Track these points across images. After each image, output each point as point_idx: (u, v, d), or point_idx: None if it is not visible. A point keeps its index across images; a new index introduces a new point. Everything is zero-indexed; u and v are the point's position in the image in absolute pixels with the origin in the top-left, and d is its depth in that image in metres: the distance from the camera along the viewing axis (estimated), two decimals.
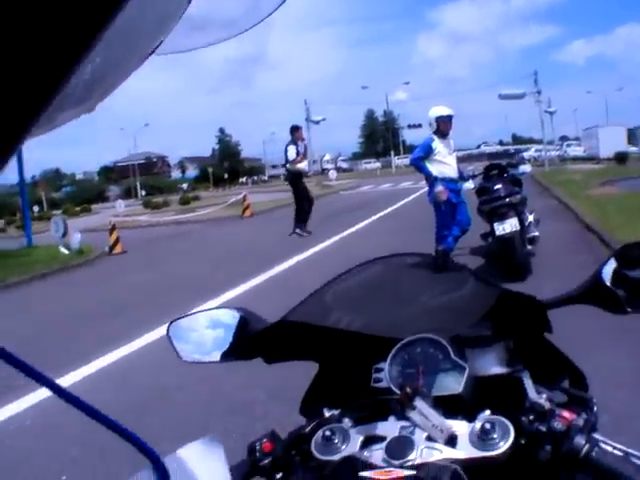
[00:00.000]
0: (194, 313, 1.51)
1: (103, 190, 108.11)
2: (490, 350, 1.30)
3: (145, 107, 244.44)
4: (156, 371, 6.17)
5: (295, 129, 16.87)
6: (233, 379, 5.49)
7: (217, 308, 1.53)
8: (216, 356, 1.41)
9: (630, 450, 1.02)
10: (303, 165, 17.13)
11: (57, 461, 4.57)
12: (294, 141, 16.71)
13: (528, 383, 1.22)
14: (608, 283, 1.23)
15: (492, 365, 1.29)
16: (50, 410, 5.21)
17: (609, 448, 1.03)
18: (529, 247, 8.96)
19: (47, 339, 8.35)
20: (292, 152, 16.46)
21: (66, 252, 18.55)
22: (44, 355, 6.51)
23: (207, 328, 1.46)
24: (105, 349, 7.20)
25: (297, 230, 16.80)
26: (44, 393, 5.33)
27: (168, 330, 1.47)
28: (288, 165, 16.70)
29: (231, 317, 1.44)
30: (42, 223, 36.14)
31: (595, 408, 1.21)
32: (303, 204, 17.00)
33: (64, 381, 6.00)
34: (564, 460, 1.05)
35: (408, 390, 1.13)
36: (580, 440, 1.04)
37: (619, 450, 1.02)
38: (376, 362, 1.36)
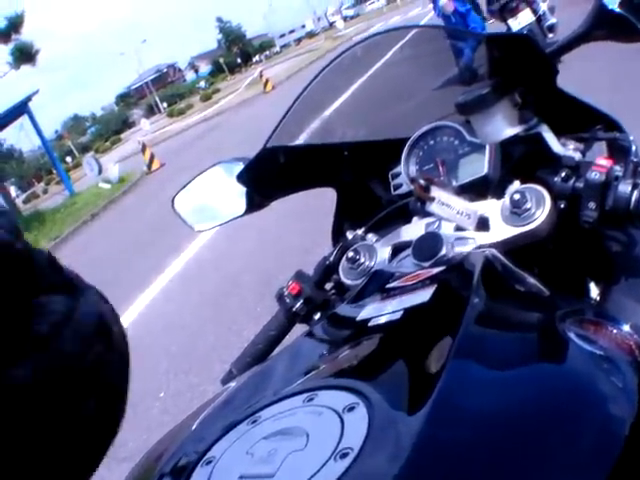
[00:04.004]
0: (192, 180, 1.40)
1: (126, 117, 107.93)
2: (495, 110, 1.11)
3: (136, 25, 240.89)
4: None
5: None
6: None
7: (217, 164, 1.40)
8: (232, 214, 1.35)
9: None
10: None
11: None
12: None
13: (549, 136, 1.09)
14: (615, 7, 1.07)
15: (502, 126, 1.11)
16: None
17: None
18: (550, 35, 8.62)
19: (134, 252, 9.24)
20: None
21: (107, 186, 18.94)
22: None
23: (214, 188, 1.37)
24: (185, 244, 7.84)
25: None
26: None
27: (173, 205, 1.40)
28: None
29: (232, 169, 1.33)
30: (79, 170, 36.92)
31: (635, 148, 1.06)
32: None
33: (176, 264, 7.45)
34: (613, 215, 0.94)
35: (421, 182, 1.04)
36: (625, 188, 0.92)
37: None
38: (392, 168, 1.27)
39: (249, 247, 6.35)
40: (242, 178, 1.28)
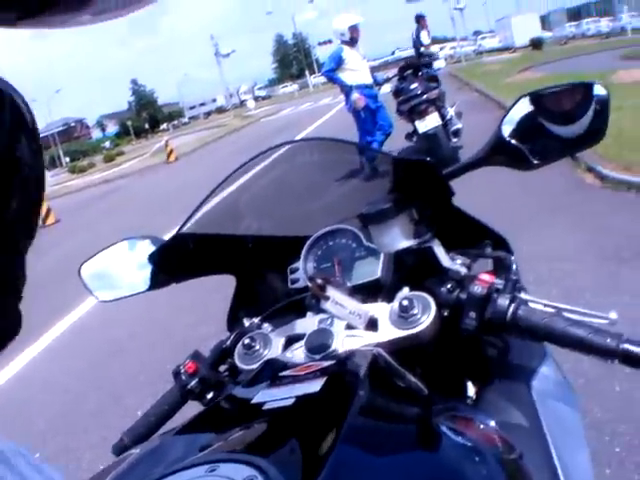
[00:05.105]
0: (101, 250, 1.45)
1: None
2: (393, 223, 1.21)
3: (53, 73, 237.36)
4: None
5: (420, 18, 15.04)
6: None
7: (125, 239, 1.47)
8: (136, 289, 1.40)
9: (564, 305, 1.00)
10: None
11: None
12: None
13: (439, 251, 1.19)
14: (511, 139, 1.21)
15: (398, 239, 1.22)
16: None
17: (539, 306, 1.01)
18: (454, 140, 9.02)
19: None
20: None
21: None
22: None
23: (120, 262, 1.43)
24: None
25: None
26: None
27: (80, 273, 1.43)
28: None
29: (142, 245, 1.42)
30: None
31: (515, 267, 1.16)
32: None
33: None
34: (491, 325, 1.02)
35: (319, 281, 1.11)
36: (503, 301, 1.01)
37: (551, 307, 1.00)
38: (291, 263, 1.35)
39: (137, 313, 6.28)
40: (153, 258, 1.35)
